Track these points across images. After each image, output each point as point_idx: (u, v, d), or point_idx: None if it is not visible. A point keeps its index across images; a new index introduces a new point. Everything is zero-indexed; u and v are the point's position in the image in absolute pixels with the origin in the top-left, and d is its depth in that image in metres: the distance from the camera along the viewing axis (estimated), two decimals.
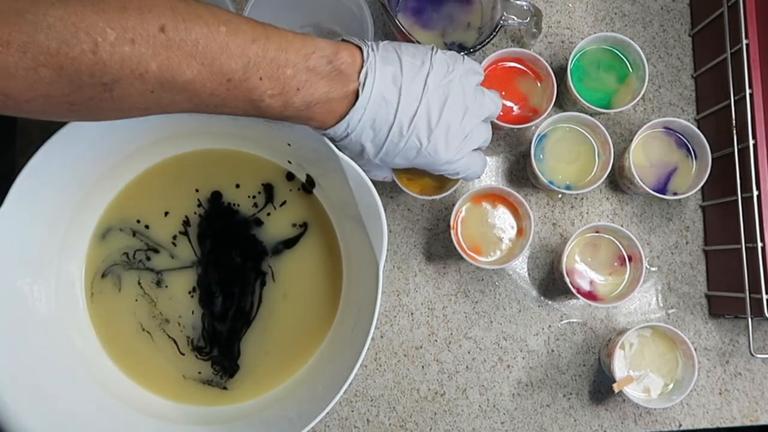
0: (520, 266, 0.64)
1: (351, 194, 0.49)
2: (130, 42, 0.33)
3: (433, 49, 0.46)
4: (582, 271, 0.61)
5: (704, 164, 0.59)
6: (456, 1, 0.62)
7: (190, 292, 0.58)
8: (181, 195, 0.58)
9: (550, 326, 0.64)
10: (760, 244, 0.57)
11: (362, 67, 0.42)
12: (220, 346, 0.57)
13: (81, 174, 0.53)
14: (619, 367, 0.59)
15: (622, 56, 0.62)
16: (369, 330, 0.47)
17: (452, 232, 0.58)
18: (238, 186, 0.59)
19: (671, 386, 0.59)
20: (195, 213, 0.58)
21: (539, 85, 0.61)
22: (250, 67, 0.37)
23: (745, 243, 0.58)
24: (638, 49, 0.60)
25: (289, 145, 0.54)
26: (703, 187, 0.62)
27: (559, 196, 0.65)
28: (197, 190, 0.59)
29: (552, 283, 0.64)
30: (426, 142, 0.45)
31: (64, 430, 0.50)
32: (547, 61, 0.60)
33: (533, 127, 0.64)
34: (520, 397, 0.63)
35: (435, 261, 0.64)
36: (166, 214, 0.58)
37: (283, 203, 0.59)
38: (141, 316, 0.57)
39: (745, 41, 0.58)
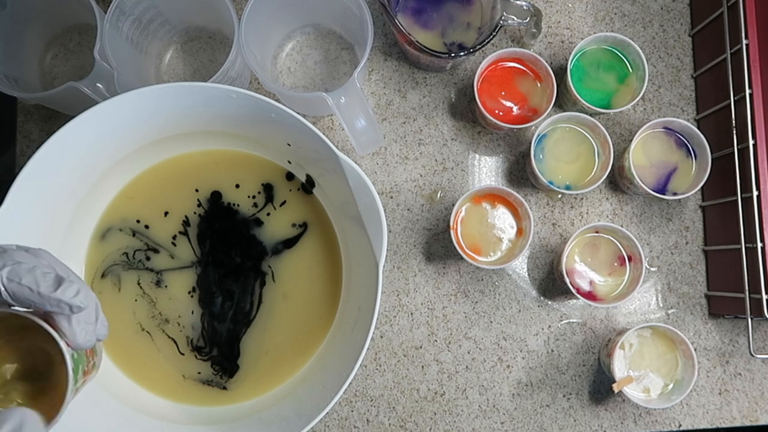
0: (519, 266, 0.64)
1: (351, 194, 0.49)
2: None
3: None
4: (582, 271, 0.61)
5: (704, 164, 0.59)
6: (456, 1, 0.62)
7: (189, 292, 0.58)
8: (181, 195, 0.58)
9: (549, 326, 0.64)
10: (759, 244, 0.57)
11: None
12: (220, 346, 0.57)
13: (81, 174, 0.53)
14: (619, 367, 0.59)
15: (622, 56, 0.62)
16: (369, 330, 0.47)
17: (452, 232, 0.58)
18: (237, 186, 0.59)
19: (671, 386, 0.59)
20: (195, 213, 0.58)
21: (539, 85, 0.61)
22: None
23: (745, 243, 0.58)
24: (638, 49, 0.60)
25: (288, 145, 0.54)
26: (702, 187, 0.62)
27: (559, 196, 0.65)
28: (197, 190, 0.59)
29: (552, 283, 0.64)
30: None
31: (63, 430, 0.50)
32: (546, 61, 0.60)
33: (533, 127, 0.64)
34: (519, 397, 0.63)
35: (435, 261, 0.64)
36: (166, 214, 0.58)
37: (283, 203, 0.59)
38: (140, 316, 0.57)
39: (744, 41, 0.58)
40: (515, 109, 0.62)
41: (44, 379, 0.37)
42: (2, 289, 0.31)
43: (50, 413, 0.36)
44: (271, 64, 0.65)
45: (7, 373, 0.37)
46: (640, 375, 0.60)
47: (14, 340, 0.36)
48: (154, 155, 0.58)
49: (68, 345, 0.34)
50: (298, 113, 0.48)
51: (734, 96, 0.60)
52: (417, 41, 0.55)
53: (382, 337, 0.63)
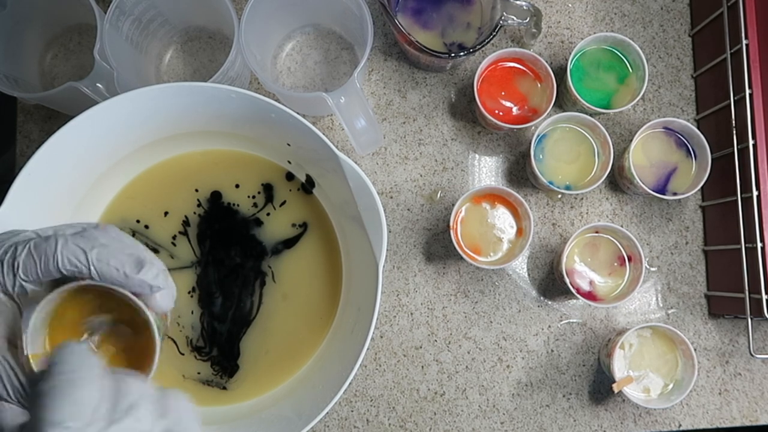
0: (519, 266, 0.64)
1: (351, 194, 0.49)
2: None
3: None
4: (582, 271, 0.61)
5: (704, 164, 0.59)
6: (456, 1, 0.62)
7: (189, 292, 0.58)
8: (181, 195, 0.58)
9: (549, 326, 0.64)
10: (759, 244, 0.57)
11: None
12: (220, 346, 0.57)
13: (80, 174, 0.53)
14: (619, 367, 0.59)
15: (622, 56, 0.62)
16: (369, 330, 0.47)
17: (452, 232, 0.58)
18: (237, 186, 0.59)
19: (671, 386, 0.59)
20: (195, 213, 0.58)
21: (539, 85, 0.61)
22: None
23: (745, 243, 0.58)
24: (638, 49, 0.60)
25: (288, 145, 0.54)
26: (702, 187, 0.62)
27: (559, 196, 0.65)
28: (197, 190, 0.59)
29: (552, 283, 0.64)
30: None
31: None
32: (546, 61, 0.60)
33: (533, 127, 0.64)
34: (519, 397, 0.63)
35: (435, 261, 0.64)
36: (166, 214, 0.58)
37: (283, 203, 0.59)
38: None
39: (744, 41, 0.58)
40: (515, 109, 0.62)
41: (131, 341, 0.39)
42: (92, 269, 0.34)
43: (142, 371, 0.37)
44: (271, 64, 0.65)
45: (98, 321, 0.38)
46: (640, 375, 0.60)
47: (101, 308, 0.38)
48: (153, 155, 0.58)
49: (150, 309, 0.36)
50: (298, 113, 0.48)
51: (734, 96, 0.60)
52: (417, 41, 0.55)
53: (382, 337, 0.63)
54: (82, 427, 0.27)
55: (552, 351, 0.64)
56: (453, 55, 0.58)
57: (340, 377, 0.48)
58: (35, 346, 0.35)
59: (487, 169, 0.65)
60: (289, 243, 0.58)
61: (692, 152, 0.61)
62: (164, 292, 0.37)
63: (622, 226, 0.62)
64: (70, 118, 0.47)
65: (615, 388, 0.57)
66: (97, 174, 0.54)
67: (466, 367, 0.63)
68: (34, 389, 0.28)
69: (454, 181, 0.65)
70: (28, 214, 0.49)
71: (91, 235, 0.35)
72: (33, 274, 0.33)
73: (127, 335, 0.38)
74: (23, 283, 0.34)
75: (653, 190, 0.60)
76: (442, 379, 0.63)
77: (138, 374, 0.32)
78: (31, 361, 0.34)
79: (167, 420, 0.30)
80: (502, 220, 0.60)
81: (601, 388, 0.63)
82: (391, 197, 0.65)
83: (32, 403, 0.28)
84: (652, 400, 0.59)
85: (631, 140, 0.60)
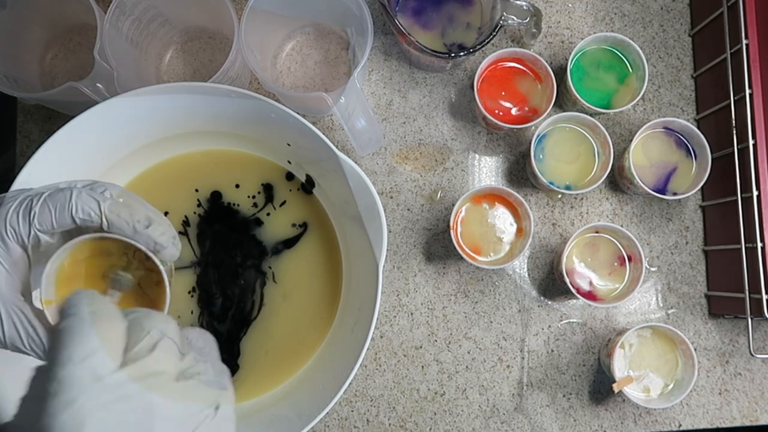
0: (519, 266, 0.64)
1: (351, 194, 0.49)
2: None
3: None
4: (582, 271, 0.61)
5: (704, 164, 0.59)
6: (456, 1, 0.62)
7: (189, 292, 0.58)
8: (181, 195, 0.58)
9: (550, 326, 0.64)
10: (759, 244, 0.57)
11: None
12: (220, 346, 0.57)
13: (80, 174, 0.53)
14: (619, 367, 0.59)
15: (622, 56, 0.62)
16: (369, 330, 0.47)
17: (452, 232, 0.58)
18: (237, 186, 0.59)
19: (671, 386, 0.59)
20: (195, 213, 0.58)
21: (539, 85, 0.61)
22: None
23: (745, 243, 0.58)
24: (638, 49, 0.60)
25: (288, 145, 0.54)
26: (702, 187, 0.62)
27: (559, 196, 0.65)
28: (197, 190, 0.59)
29: (552, 283, 0.64)
30: None
31: None
32: (546, 61, 0.60)
33: (533, 127, 0.64)
34: (519, 397, 0.63)
35: (435, 261, 0.64)
36: (166, 214, 0.58)
37: (283, 203, 0.59)
38: None
39: (744, 41, 0.58)
40: (515, 109, 0.62)
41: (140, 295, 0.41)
42: (104, 219, 0.35)
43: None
44: (271, 64, 0.65)
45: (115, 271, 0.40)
46: (640, 375, 0.60)
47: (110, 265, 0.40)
48: (154, 155, 0.58)
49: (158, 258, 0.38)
50: (298, 113, 0.48)
51: (734, 96, 0.60)
52: (417, 41, 0.55)
53: (382, 337, 0.63)
54: (97, 363, 0.27)
55: (552, 351, 0.64)
56: (453, 55, 0.58)
57: (340, 377, 0.48)
58: (48, 293, 0.37)
59: (487, 169, 0.65)
60: (289, 243, 0.58)
61: (692, 152, 0.61)
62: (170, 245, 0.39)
63: (622, 226, 0.62)
64: (70, 118, 0.47)
65: (615, 388, 0.57)
66: (97, 174, 0.54)
67: (466, 367, 0.63)
68: (53, 333, 0.29)
69: (454, 181, 0.65)
70: None
71: (102, 188, 0.37)
72: (48, 224, 0.35)
73: (135, 289, 0.40)
74: (38, 232, 0.35)
75: (653, 190, 0.60)
76: (442, 379, 0.63)
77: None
78: (44, 307, 0.36)
79: (187, 358, 0.30)
80: (502, 220, 0.60)
81: (601, 388, 0.63)
82: (391, 197, 0.65)
83: (50, 343, 0.29)
84: (652, 400, 0.59)
85: (631, 140, 0.60)
